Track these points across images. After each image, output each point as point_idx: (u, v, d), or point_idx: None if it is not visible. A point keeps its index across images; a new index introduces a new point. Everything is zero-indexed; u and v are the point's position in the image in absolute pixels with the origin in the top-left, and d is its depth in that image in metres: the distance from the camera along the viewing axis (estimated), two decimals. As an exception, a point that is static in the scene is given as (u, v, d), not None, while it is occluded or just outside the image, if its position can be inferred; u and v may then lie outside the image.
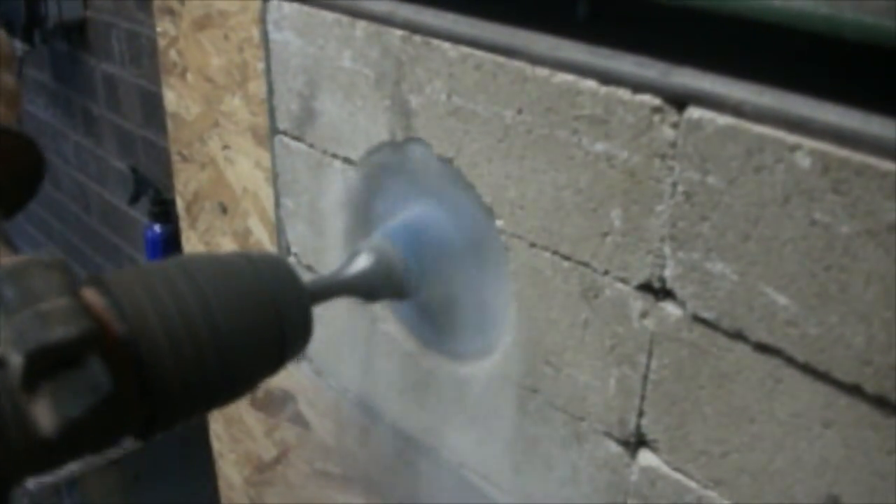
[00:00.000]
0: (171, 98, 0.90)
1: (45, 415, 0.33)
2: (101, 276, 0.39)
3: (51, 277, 0.34)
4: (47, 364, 0.33)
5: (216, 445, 1.06)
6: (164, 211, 1.62)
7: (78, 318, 0.34)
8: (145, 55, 1.64)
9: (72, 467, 1.39)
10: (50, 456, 0.34)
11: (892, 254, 0.37)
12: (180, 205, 0.96)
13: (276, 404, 0.90)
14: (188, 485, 1.42)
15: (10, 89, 0.46)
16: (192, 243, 0.96)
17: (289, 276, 0.46)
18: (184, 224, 0.96)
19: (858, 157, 0.37)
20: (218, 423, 1.03)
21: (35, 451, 0.33)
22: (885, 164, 0.36)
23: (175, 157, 0.94)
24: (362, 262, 0.55)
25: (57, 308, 0.34)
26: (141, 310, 0.38)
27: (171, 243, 1.62)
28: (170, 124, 0.92)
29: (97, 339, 0.35)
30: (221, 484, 1.09)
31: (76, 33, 1.86)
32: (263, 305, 0.43)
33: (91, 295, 0.37)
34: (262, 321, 0.43)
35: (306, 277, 0.75)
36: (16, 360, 0.32)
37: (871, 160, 0.36)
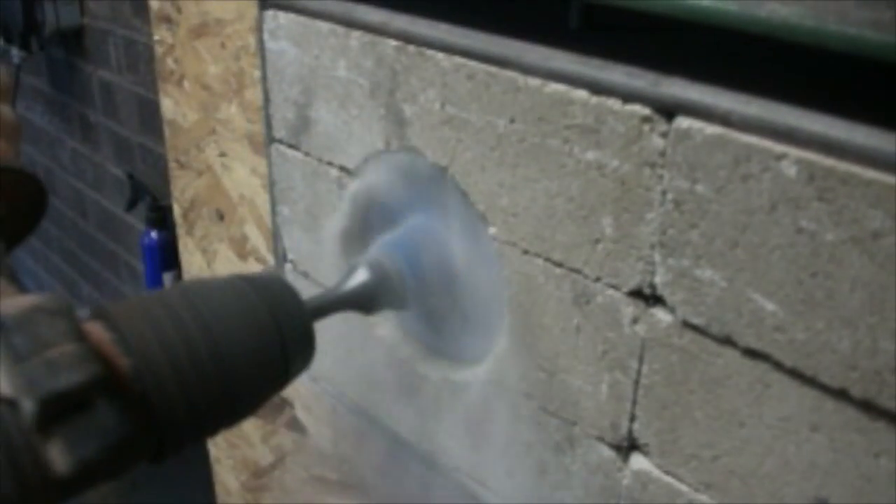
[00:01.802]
0: (168, 105, 0.91)
1: (59, 456, 0.34)
2: (105, 308, 0.40)
3: (57, 324, 0.36)
4: (59, 409, 0.34)
5: (213, 451, 1.07)
6: (161, 217, 1.63)
7: (86, 364, 0.35)
8: (142, 62, 1.64)
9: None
10: (65, 492, 0.35)
11: (877, 260, 0.37)
12: (177, 211, 0.96)
13: (273, 410, 0.90)
14: (185, 490, 1.42)
15: (9, 122, 0.47)
16: (188, 250, 0.97)
17: (288, 295, 0.46)
18: (181, 231, 0.97)
19: (843, 165, 0.38)
20: (215, 428, 1.04)
21: (50, 489, 0.34)
22: (870, 173, 0.37)
23: (172, 164, 0.94)
24: (360, 277, 0.56)
25: (65, 354, 0.35)
26: (145, 342, 0.39)
27: (167, 249, 1.63)
28: (167, 131, 0.93)
29: (105, 381, 0.36)
30: (218, 489, 1.09)
31: (73, 40, 1.86)
32: (265, 327, 0.43)
33: (96, 330, 0.38)
34: (265, 343, 0.43)
35: (303, 284, 0.75)
36: (28, 406, 0.33)
37: (856, 169, 0.37)
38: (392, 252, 0.58)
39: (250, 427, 0.96)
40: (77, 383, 0.34)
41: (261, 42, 0.71)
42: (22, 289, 0.41)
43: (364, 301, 0.56)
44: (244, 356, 0.42)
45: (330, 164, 0.68)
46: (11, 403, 0.33)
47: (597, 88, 0.47)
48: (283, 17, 0.67)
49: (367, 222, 0.68)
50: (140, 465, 0.40)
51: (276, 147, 0.74)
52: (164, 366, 0.39)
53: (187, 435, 0.40)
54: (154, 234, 1.64)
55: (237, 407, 0.43)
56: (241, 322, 0.42)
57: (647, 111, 0.45)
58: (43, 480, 0.34)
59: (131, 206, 1.73)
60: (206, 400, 0.40)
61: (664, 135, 0.44)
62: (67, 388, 0.34)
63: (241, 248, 0.86)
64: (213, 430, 0.42)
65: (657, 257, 0.46)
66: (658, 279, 0.47)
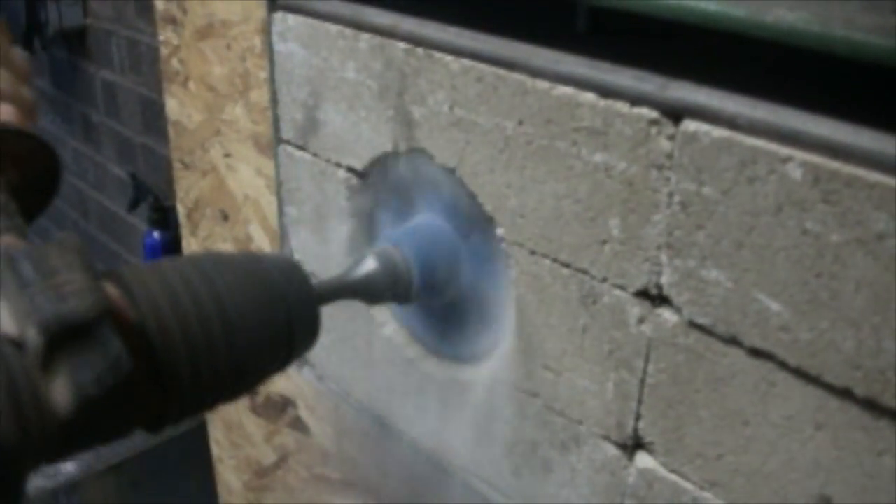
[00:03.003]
0: (172, 106, 0.91)
1: (62, 392, 0.33)
2: (117, 270, 0.40)
3: (68, 255, 0.35)
4: (64, 337, 0.33)
5: (215, 451, 1.07)
6: (163, 217, 1.63)
7: (94, 293, 0.34)
8: (145, 63, 1.65)
9: (70, 472, 1.39)
10: (65, 440, 0.34)
11: (881, 261, 0.38)
12: (181, 212, 0.97)
13: (276, 410, 0.91)
14: (187, 490, 1.42)
15: (28, 102, 0.47)
16: (192, 250, 0.97)
17: (298, 275, 0.47)
18: (185, 231, 0.97)
19: (848, 168, 0.38)
20: (217, 428, 1.04)
21: (51, 434, 0.33)
22: (874, 176, 0.37)
23: (176, 165, 0.95)
24: (368, 266, 0.57)
25: (72, 281, 0.34)
26: (154, 300, 0.39)
27: (170, 250, 1.63)
28: (171, 132, 0.93)
29: (112, 314, 0.35)
30: (220, 489, 1.10)
31: (76, 40, 1.87)
32: (273, 302, 0.44)
33: (107, 286, 0.38)
34: (272, 317, 0.43)
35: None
36: (32, 334, 0.32)
37: (861, 171, 0.38)
38: (400, 245, 0.58)
39: (253, 426, 0.96)
40: (85, 310, 0.33)
41: (269, 44, 0.72)
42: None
43: (370, 291, 0.57)
44: (252, 329, 0.42)
45: (338, 165, 0.68)
46: (16, 344, 0.32)
47: (605, 91, 0.47)
48: (293, 20, 0.68)
49: (374, 223, 0.69)
50: (138, 430, 0.39)
51: (283, 148, 0.75)
52: (172, 323, 0.39)
53: (189, 401, 0.40)
54: (156, 235, 1.65)
55: (240, 380, 0.43)
56: (251, 293, 0.42)
57: (654, 114, 0.45)
58: (43, 424, 0.33)
59: (133, 206, 1.74)
60: (211, 366, 0.40)
61: (671, 137, 0.45)
62: (75, 315, 0.33)
63: (246, 249, 0.87)
64: (214, 401, 0.42)
65: (664, 258, 0.47)
66: (664, 280, 0.47)
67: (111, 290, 0.38)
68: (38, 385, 0.33)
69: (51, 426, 0.33)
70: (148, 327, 0.38)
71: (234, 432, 1.01)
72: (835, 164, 0.39)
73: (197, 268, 0.41)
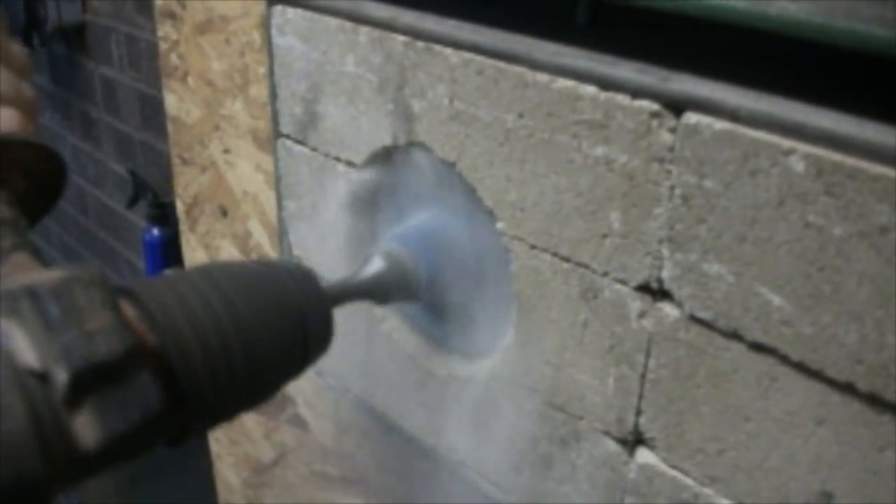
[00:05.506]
0: (171, 101, 0.91)
1: (89, 428, 0.33)
2: (131, 287, 0.39)
3: (93, 294, 0.35)
4: (93, 380, 0.33)
5: (214, 448, 1.07)
6: (162, 214, 1.63)
7: (122, 334, 0.34)
8: (144, 59, 1.65)
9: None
10: (89, 468, 0.34)
11: (884, 255, 0.38)
12: (180, 208, 0.96)
13: (275, 406, 0.90)
14: (186, 487, 1.42)
15: (29, 100, 0.46)
16: (191, 246, 0.97)
17: (310, 281, 0.46)
18: (184, 227, 0.97)
19: (851, 160, 0.38)
20: (217, 424, 1.04)
21: (76, 464, 0.33)
22: (877, 168, 0.37)
23: (175, 161, 0.94)
24: (376, 266, 0.56)
25: (101, 325, 0.34)
26: (173, 320, 0.38)
27: (168, 246, 1.63)
28: (170, 128, 0.93)
29: (141, 354, 0.35)
30: (219, 486, 1.09)
31: (75, 37, 1.86)
32: (288, 311, 0.43)
33: (125, 307, 0.37)
34: (287, 327, 0.43)
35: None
36: (61, 377, 0.32)
37: (864, 164, 0.38)
38: (405, 243, 0.58)
39: (252, 423, 0.96)
40: (115, 353, 0.33)
41: (268, 38, 0.71)
42: (45, 264, 0.41)
43: (379, 291, 0.57)
44: (269, 341, 0.42)
45: (337, 159, 0.68)
46: (42, 377, 0.32)
47: (605, 84, 0.47)
48: (292, 13, 0.67)
49: (374, 217, 0.68)
50: (158, 447, 0.39)
51: (282, 142, 0.74)
52: (192, 343, 0.38)
53: (210, 416, 0.40)
54: (155, 231, 1.65)
55: (258, 388, 0.43)
56: (265, 304, 0.42)
57: (655, 107, 0.45)
58: (69, 455, 0.33)
59: (133, 202, 1.74)
60: (230, 380, 0.40)
61: (673, 130, 0.44)
62: (106, 359, 0.33)
63: (245, 245, 0.86)
64: (233, 413, 0.42)
65: (665, 252, 0.47)
66: (665, 274, 0.47)
67: (129, 311, 0.38)
68: (63, 419, 0.33)
69: (76, 458, 0.33)
70: (169, 351, 0.38)
71: (233, 429, 1.00)
72: (837, 157, 0.38)
73: (211, 282, 0.41)
